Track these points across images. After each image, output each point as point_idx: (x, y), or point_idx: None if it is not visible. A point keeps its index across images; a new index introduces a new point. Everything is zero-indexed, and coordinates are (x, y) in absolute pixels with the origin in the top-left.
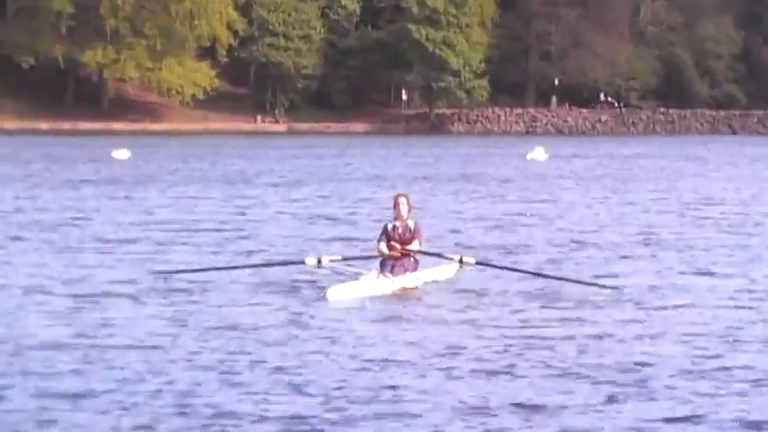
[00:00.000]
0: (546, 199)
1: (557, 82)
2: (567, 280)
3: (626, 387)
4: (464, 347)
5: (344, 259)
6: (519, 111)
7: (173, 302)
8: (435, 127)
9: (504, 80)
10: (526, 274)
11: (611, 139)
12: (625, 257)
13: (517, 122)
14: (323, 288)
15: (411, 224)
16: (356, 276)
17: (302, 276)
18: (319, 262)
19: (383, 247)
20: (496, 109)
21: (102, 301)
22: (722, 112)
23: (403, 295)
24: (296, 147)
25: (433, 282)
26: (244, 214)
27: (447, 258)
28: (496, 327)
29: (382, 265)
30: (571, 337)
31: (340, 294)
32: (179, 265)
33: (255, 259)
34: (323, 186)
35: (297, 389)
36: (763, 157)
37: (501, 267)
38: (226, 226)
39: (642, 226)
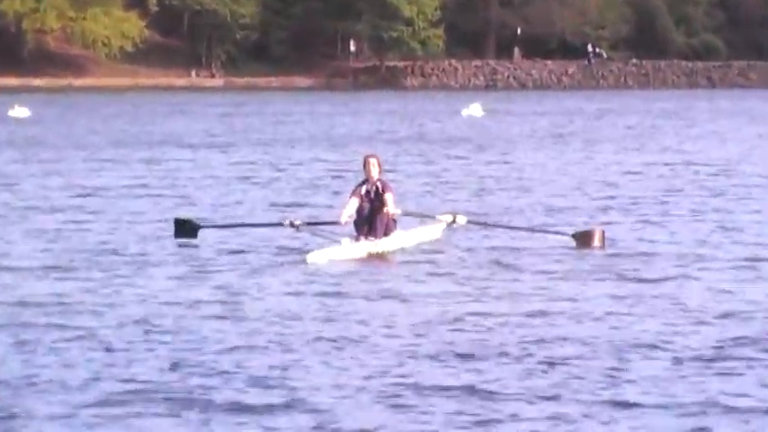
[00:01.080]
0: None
1: (519, 32)
2: (556, 234)
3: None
4: (434, 324)
5: (309, 224)
6: (478, 63)
7: (127, 271)
8: (387, 81)
9: (461, 29)
10: (517, 232)
11: (575, 93)
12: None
13: (476, 76)
14: (302, 252)
15: (380, 185)
16: (336, 240)
17: (281, 240)
18: (292, 225)
19: (348, 211)
20: (453, 61)
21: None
22: (700, 64)
23: (383, 260)
24: (233, 104)
25: (418, 244)
26: (170, 180)
27: (439, 219)
28: (476, 299)
29: (357, 226)
30: (542, 314)
31: (319, 258)
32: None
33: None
34: (265, 147)
35: (252, 371)
36: (745, 112)
37: (493, 225)
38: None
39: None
